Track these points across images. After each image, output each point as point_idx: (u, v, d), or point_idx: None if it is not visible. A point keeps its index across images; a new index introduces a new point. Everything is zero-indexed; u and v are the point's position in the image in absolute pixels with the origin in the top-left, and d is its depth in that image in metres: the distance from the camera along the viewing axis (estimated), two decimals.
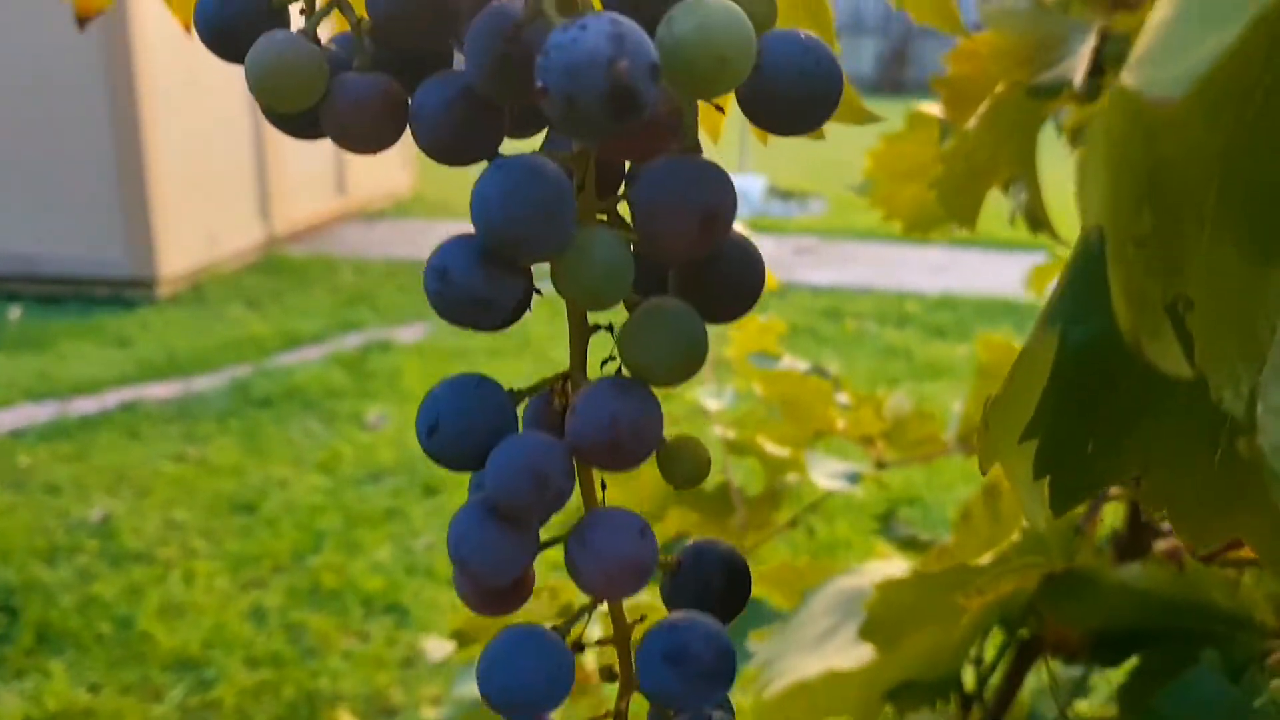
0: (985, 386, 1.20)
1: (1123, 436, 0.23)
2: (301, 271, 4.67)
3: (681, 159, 0.23)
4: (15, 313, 3.97)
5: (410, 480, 2.75)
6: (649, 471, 1.07)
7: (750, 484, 1.29)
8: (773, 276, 1.06)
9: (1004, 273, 4.09)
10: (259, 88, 0.24)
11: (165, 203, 4.19)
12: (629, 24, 0.19)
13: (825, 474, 1.03)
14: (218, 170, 4.50)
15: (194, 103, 4.21)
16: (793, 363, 1.22)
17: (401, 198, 6.00)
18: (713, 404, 1.21)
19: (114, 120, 4.04)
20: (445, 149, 0.24)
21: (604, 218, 0.26)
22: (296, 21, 0.26)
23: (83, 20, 0.55)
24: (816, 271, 4.68)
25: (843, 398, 1.18)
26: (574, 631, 0.27)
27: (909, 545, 1.23)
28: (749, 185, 5.95)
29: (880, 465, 1.15)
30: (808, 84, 0.23)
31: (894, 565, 0.74)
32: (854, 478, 1.02)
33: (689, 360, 0.24)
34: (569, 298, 0.24)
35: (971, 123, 0.51)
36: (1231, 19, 0.12)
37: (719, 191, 0.23)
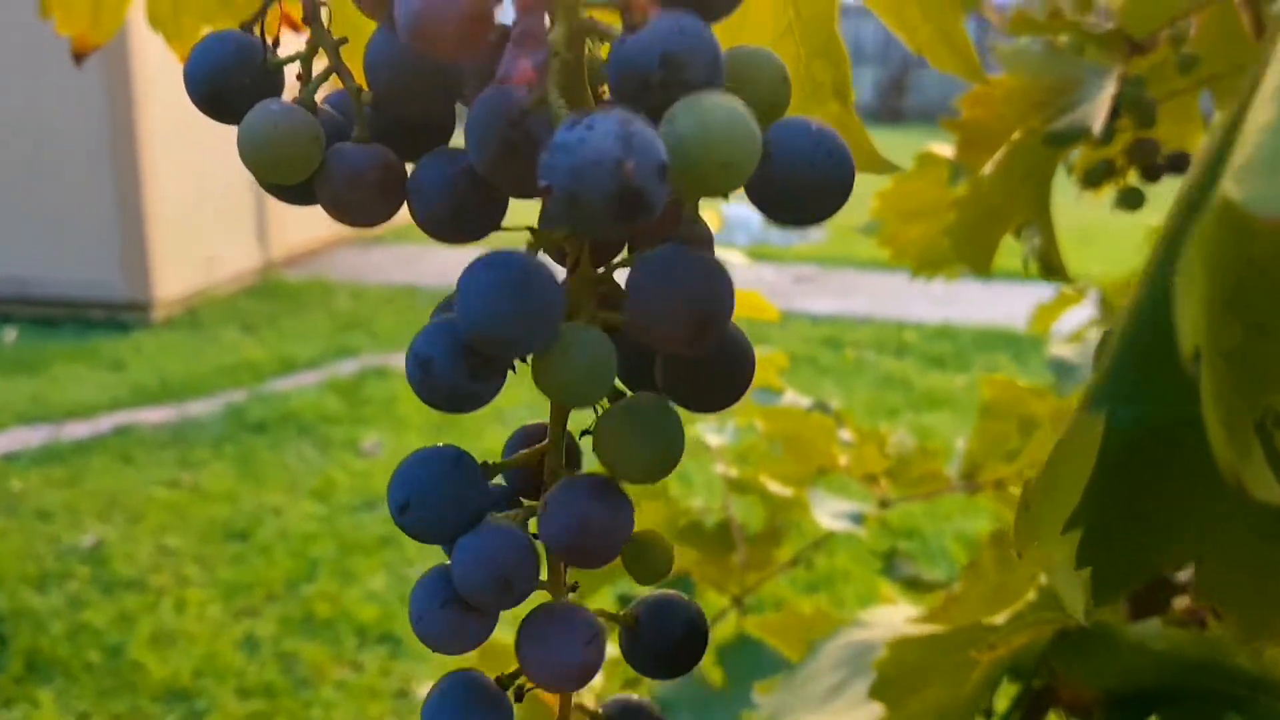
0: (988, 425, 1.19)
1: (1174, 526, 0.22)
2: (297, 296, 4.65)
3: (680, 251, 0.22)
4: (10, 335, 3.95)
5: None
6: (650, 505, 1.05)
7: (751, 518, 1.28)
8: (773, 307, 1.04)
9: (1003, 303, 4.09)
10: (251, 161, 0.23)
11: (162, 226, 4.18)
12: (638, 122, 0.18)
13: (829, 514, 1.02)
14: (214, 194, 4.49)
15: (192, 127, 4.21)
16: (795, 398, 1.21)
17: (398, 223, 5.97)
18: (714, 439, 1.20)
19: (112, 143, 4.04)
20: (444, 228, 0.23)
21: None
22: (290, 75, 0.25)
23: (79, 56, 0.54)
24: (816, 300, 4.68)
25: (845, 434, 1.17)
26: (516, 682, 0.27)
27: (912, 585, 1.22)
28: (749, 212, 5.95)
29: (883, 504, 1.14)
30: (817, 177, 0.22)
31: (901, 612, 0.73)
32: (858, 518, 1.01)
33: (663, 463, 0.24)
34: (548, 395, 0.23)
35: (987, 169, 0.50)
36: None
37: (716, 294, 0.22)
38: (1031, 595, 0.53)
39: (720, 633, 1.11)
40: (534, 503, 0.25)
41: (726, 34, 0.41)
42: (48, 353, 3.78)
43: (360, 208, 0.24)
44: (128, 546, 2.51)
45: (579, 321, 0.23)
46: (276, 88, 0.25)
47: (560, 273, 0.24)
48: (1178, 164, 0.69)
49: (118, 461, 2.96)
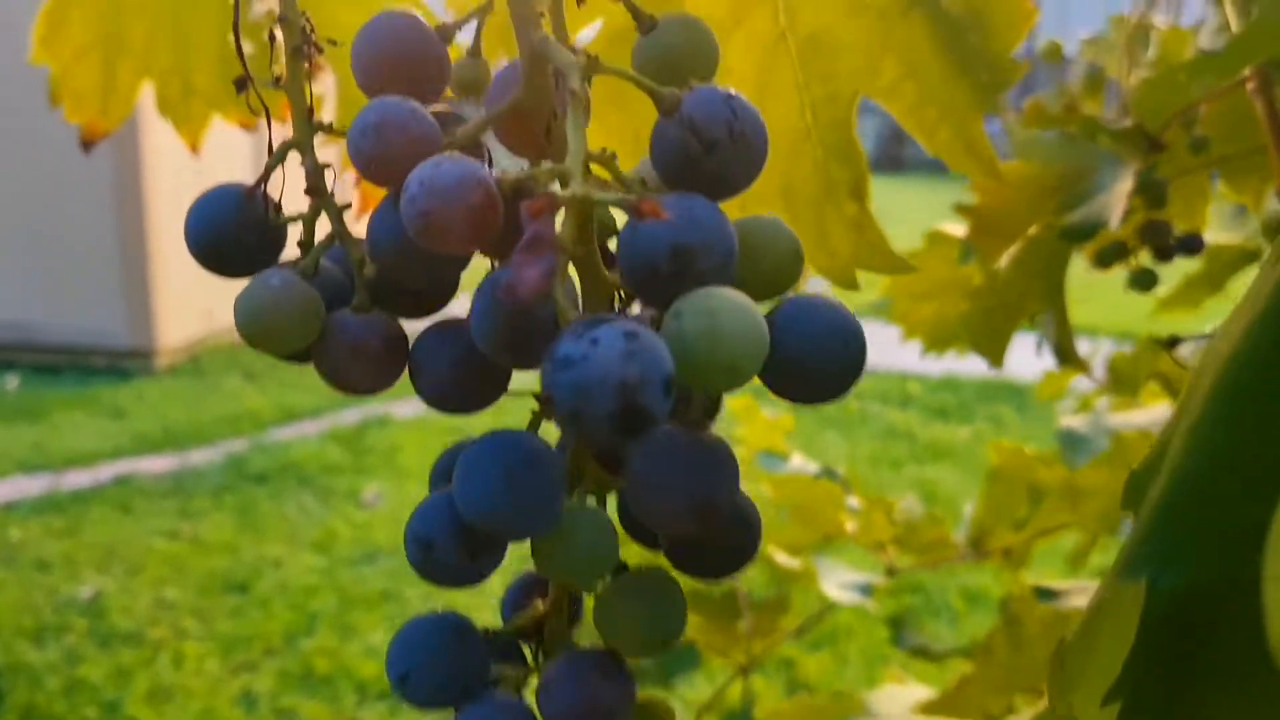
0: (996, 491, 1.18)
1: (1220, 699, 0.21)
2: None
3: (678, 437, 0.22)
4: (13, 382, 3.94)
5: (406, 561, 2.70)
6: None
7: (757, 583, 1.26)
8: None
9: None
10: (248, 335, 0.23)
11: (165, 273, 4.19)
12: (645, 336, 0.18)
13: (836, 584, 1.00)
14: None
15: (196, 174, 4.22)
16: (802, 464, 1.20)
17: None
18: None
19: (117, 189, 4.05)
20: (448, 403, 0.24)
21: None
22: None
23: (88, 143, 0.53)
24: None
25: (853, 501, 1.16)
26: None
27: (921, 654, 1.20)
28: None
29: (891, 572, 1.13)
30: (828, 362, 0.23)
31: (910, 694, 0.72)
32: (866, 589, 1.00)
33: (664, 641, 0.24)
34: (548, 578, 0.24)
35: (1002, 262, 0.50)
36: None
37: (719, 481, 0.22)
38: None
39: (727, 700, 1.10)
40: (532, 665, 0.25)
41: None
42: (50, 400, 3.77)
43: (360, 379, 0.24)
44: (126, 598, 2.49)
45: (578, 497, 0.23)
46: (278, 246, 0.25)
47: None
48: (1190, 245, 0.68)
49: (117, 511, 2.94)
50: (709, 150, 0.22)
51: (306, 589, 2.57)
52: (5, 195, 4.16)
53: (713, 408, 0.25)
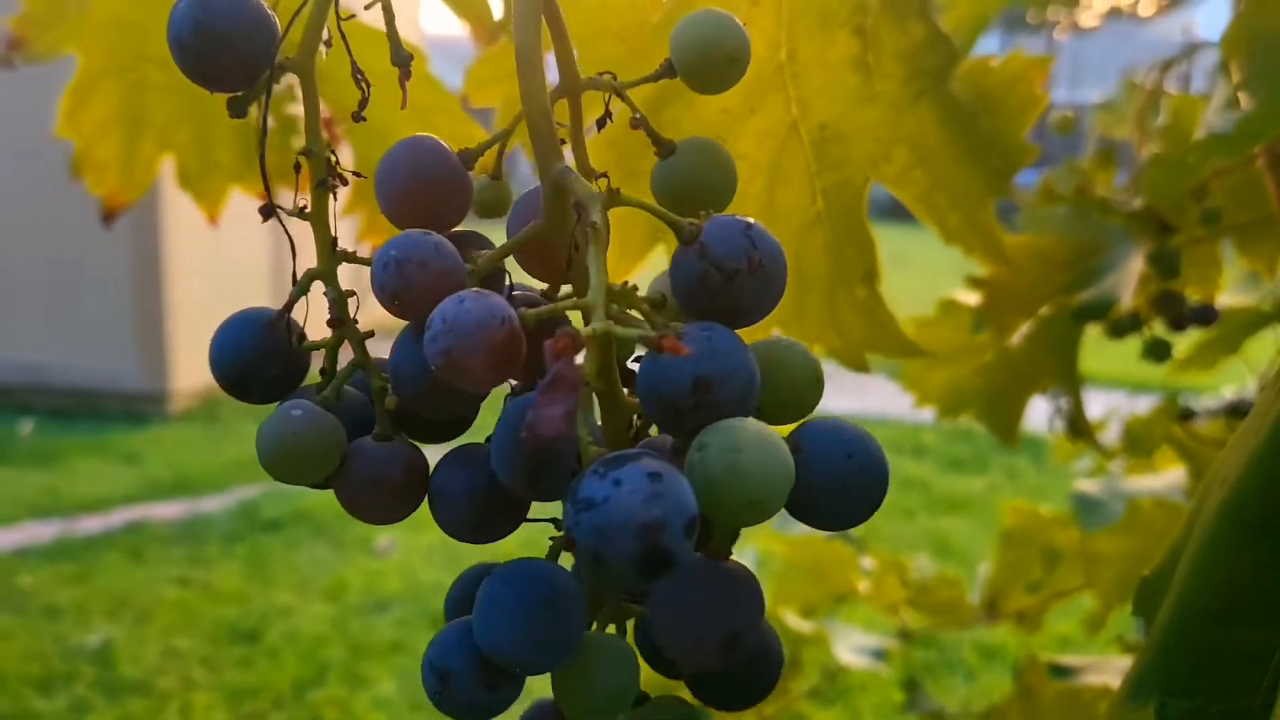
0: (1011, 554, 1.17)
1: None
2: None
3: (708, 568, 0.22)
4: (27, 427, 3.96)
5: (418, 610, 2.69)
6: None
7: None
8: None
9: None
10: (269, 466, 0.23)
11: (180, 317, 4.21)
12: (670, 476, 0.18)
13: (849, 648, 1.00)
14: (233, 285, 4.53)
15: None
16: None
17: None
18: None
19: (132, 235, 4.08)
20: (467, 534, 0.24)
21: None
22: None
23: (109, 216, 0.54)
24: (832, 398, 4.64)
25: (866, 562, 1.15)
26: None
27: (934, 719, 1.19)
28: None
29: (904, 635, 1.12)
30: (850, 492, 0.22)
31: None
32: (879, 654, 0.99)
33: None
34: (566, 711, 0.23)
35: (1015, 340, 0.50)
36: None
37: (744, 615, 0.21)
38: None
39: None
40: None
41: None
42: (63, 445, 3.78)
43: (380, 510, 0.24)
44: (135, 647, 2.48)
45: (599, 626, 0.22)
46: (301, 372, 0.25)
47: None
48: (1203, 316, 0.68)
49: (128, 558, 2.94)
50: (729, 280, 0.22)
51: (316, 638, 2.56)
52: (22, 238, 4.20)
53: (734, 533, 0.24)
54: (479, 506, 0.23)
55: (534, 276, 0.26)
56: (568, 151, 0.30)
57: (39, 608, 2.63)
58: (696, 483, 0.19)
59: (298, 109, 0.52)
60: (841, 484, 0.22)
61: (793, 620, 1.02)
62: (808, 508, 0.23)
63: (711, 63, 0.25)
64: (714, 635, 0.21)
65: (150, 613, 2.65)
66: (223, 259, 4.41)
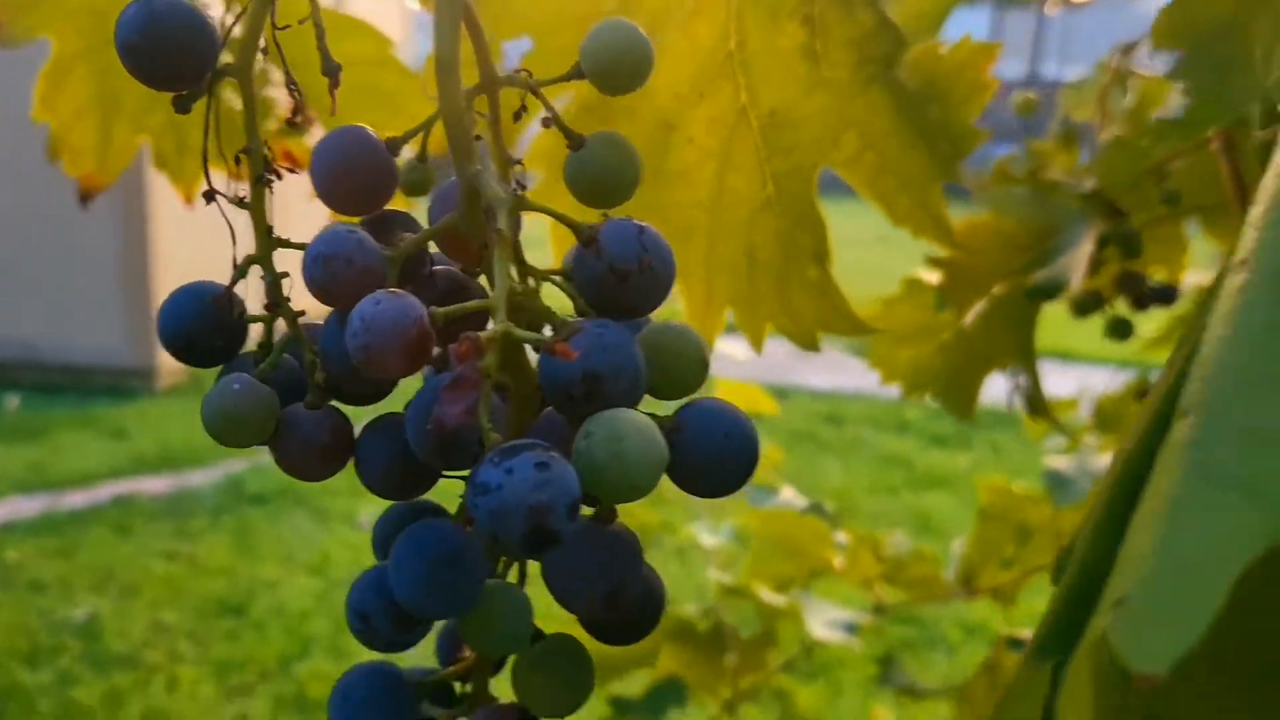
0: (986, 530, 1.18)
1: None
2: None
3: (593, 533, 0.25)
4: (14, 402, 3.96)
5: None
6: None
7: (745, 618, 1.27)
8: (771, 400, 1.05)
9: (1004, 382, 4.08)
10: (212, 431, 0.26)
11: (167, 293, 4.19)
12: (555, 464, 0.21)
13: (822, 622, 1.01)
14: (220, 262, 4.51)
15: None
16: (791, 498, 1.21)
17: None
18: (709, 540, 1.20)
19: (119, 209, 4.07)
20: (388, 492, 0.27)
21: None
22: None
23: (86, 197, 0.55)
24: (814, 375, 4.68)
25: (841, 537, 1.17)
26: None
27: (908, 693, 1.21)
28: None
29: (879, 610, 1.13)
30: (724, 464, 0.25)
31: None
32: (852, 628, 1.00)
33: (572, 703, 0.27)
34: (471, 648, 0.27)
35: (969, 319, 0.51)
36: (1214, 581, 0.12)
37: (624, 568, 0.25)
38: None
39: None
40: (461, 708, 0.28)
41: (705, 210, 0.42)
42: (50, 420, 3.78)
43: (311, 469, 0.27)
44: (121, 621, 2.50)
45: (501, 568, 0.25)
46: (241, 341, 0.28)
47: None
48: (1165, 295, 0.69)
49: (115, 532, 2.95)
50: (621, 280, 0.25)
51: (302, 612, 2.58)
52: (8, 213, 4.18)
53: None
54: (397, 473, 0.26)
55: (451, 260, 0.28)
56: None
57: (25, 582, 2.64)
58: (583, 466, 0.22)
59: (269, 92, 0.53)
60: (717, 458, 0.25)
61: (766, 595, 1.04)
62: (688, 478, 0.25)
63: (615, 70, 0.27)
64: (600, 591, 0.24)
65: (137, 587, 2.66)
66: (209, 237, 4.39)
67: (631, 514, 1.16)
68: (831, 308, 0.44)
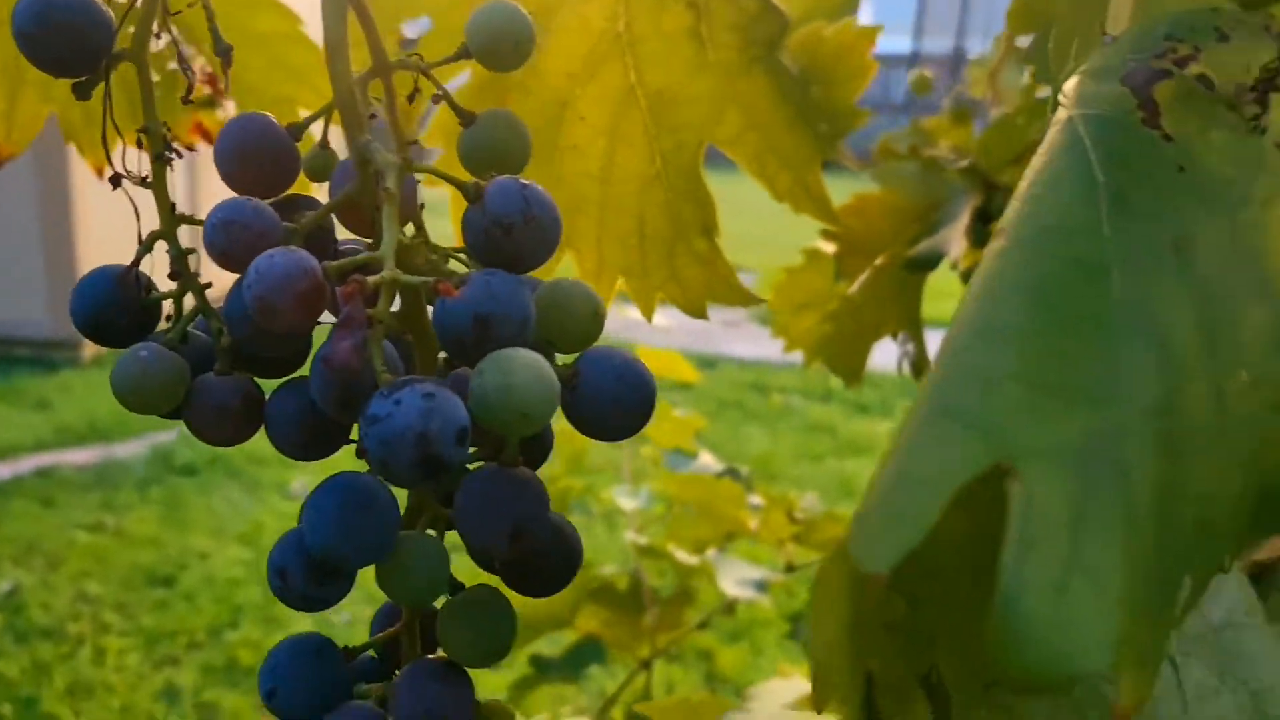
0: None
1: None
2: None
3: (496, 474, 0.26)
4: None
5: None
6: None
7: (665, 580, 1.30)
8: (692, 369, 1.08)
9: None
10: (123, 399, 0.27)
11: (91, 262, 4.11)
12: (441, 395, 0.22)
13: (734, 581, 1.05)
14: (145, 229, 4.45)
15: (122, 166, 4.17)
16: (707, 464, 1.24)
17: None
18: (628, 504, 1.23)
19: (41, 181, 3.99)
20: (296, 452, 0.27)
21: None
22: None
23: None
24: (743, 345, 4.74)
25: (755, 499, 1.20)
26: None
27: None
28: None
29: (790, 568, 1.17)
30: (620, 408, 0.26)
31: (791, 688, 0.76)
32: (762, 586, 1.04)
33: (495, 652, 0.28)
34: (390, 599, 0.27)
35: (854, 289, 0.54)
36: (933, 496, 0.14)
37: (526, 507, 0.25)
38: None
39: (628, 695, 1.13)
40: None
41: (597, 183, 0.45)
42: None
43: (222, 434, 0.28)
44: (45, 594, 2.48)
45: (416, 529, 0.26)
46: (153, 319, 0.28)
47: None
48: None
49: (38, 505, 2.91)
50: (506, 233, 0.26)
51: (232, 581, 2.57)
52: None
53: (543, 451, 0.29)
54: (306, 430, 0.27)
55: (352, 232, 0.29)
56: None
57: None
58: (476, 401, 0.23)
59: (175, 66, 0.54)
60: (614, 401, 0.26)
61: (681, 555, 1.07)
62: (588, 421, 0.27)
63: (498, 48, 0.29)
64: (502, 528, 0.25)
65: (61, 558, 2.64)
66: (133, 206, 4.31)
67: (554, 481, 1.18)
68: (719, 278, 0.46)
